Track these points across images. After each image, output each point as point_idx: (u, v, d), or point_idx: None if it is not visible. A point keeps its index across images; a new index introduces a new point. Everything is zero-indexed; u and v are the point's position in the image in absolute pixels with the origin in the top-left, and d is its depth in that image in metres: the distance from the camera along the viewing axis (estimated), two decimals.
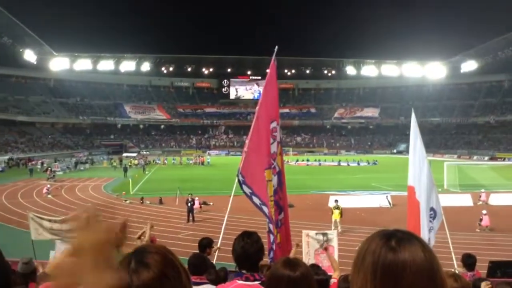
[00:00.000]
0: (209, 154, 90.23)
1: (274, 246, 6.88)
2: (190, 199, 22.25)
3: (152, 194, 31.54)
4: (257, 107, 7.47)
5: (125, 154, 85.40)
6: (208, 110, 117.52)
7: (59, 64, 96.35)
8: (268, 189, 7.11)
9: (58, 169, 53.57)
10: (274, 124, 7.47)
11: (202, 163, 66.70)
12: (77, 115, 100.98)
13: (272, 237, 6.89)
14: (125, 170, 48.55)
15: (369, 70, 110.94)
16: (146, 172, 51.88)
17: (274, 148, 7.41)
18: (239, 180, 6.95)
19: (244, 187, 6.91)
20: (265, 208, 6.90)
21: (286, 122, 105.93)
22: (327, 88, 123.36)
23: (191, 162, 69.60)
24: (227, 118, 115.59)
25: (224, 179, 39.74)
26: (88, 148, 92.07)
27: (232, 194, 7.51)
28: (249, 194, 6.89)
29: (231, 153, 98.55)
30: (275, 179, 7.32)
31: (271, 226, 6.97)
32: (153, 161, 71.38)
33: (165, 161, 70.16)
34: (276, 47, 8.38)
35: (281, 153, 7.66)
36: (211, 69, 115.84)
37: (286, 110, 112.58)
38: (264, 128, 7.33)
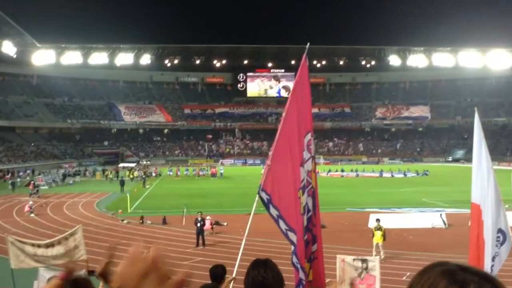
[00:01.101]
0: (222, 164, 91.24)
1: (303, 285, 6.83)
2: (199, 219, 22.37)
3: (154, 212, 31.81)
4: (285, 113, 7.39)
5: (122, 165, 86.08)
6: (220, 110, 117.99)
7: (43, 57, 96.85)
8: (302, 214, 7.18)
9: (42, 183, 53.77)
10: (309, 137, 7.51)
11: (214, 175, 67.25)
12: (64, 118, 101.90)
13: (301, 273, 6.82)
14: (122, 183, 49.35)
15: (417, 60, 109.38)
16: (147, 186, 52.45)
17: (309, 165, 7.47)
18: (262, 199, 6.94)
19: (272, 208, 6.90)
20: (292, 235, 6.88)
21: (315, 124, 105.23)
22: (365, 82, 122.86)
23: (194, 173, 69.58)
24: (243, 120, 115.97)
25: (241, 194, 40.07)
26: (78, 158, 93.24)
27: (253, 212, 7.33)
28: (275, 217, 6.88)
29: (249, 162, 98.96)
30: (310, 202, 7.37)
31: (297, 260, 6.95)
32: (155, 173, 70.64)
33: (178, 172, 69.62)
34: (308, 44, 8.36)
35: (314, 170, 7.69)
36: (224, 61, 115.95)
37: (315, 110, 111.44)
38: (296, 140, 7.34)
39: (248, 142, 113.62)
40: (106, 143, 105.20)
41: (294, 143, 7.40)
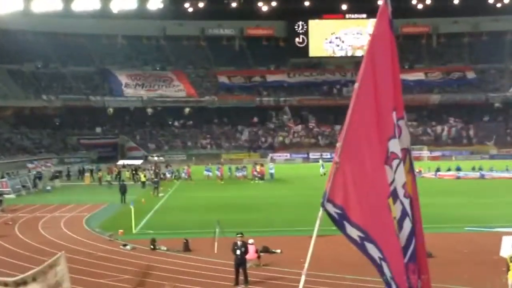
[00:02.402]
0: (272, 160, 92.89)
1: None
2: (239, 244, 22.54)
3: (171, 233, 32.88)
4: (358, 84, 7.41)
5: (121, 162, 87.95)
6: (269, 79, 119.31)
7: (4, 3, 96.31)
8: (396, 235, 7.27)
9: (7, 190, 54.53)
10: (394, 118, 7.45)
11: (261, 177, 68.78)
12: (37, 93, 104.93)
13: None
14: (123, 190, 49.70)
15: None
16: (160, 195, 53.64)
17: (399, 162, 7.52)
18: (330, 214, 7.11)
19: (349, 226, 7.06)
20: (386, 268, 7.01)
21: (415, 98, 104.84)
22: (493, 32, 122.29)
23: (240, 175, 71.88)
24: (304, 93, 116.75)
25: (301, 205, 40.58)
26: (58, 152, 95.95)
27: (315, 234, 7.51)
28: (357, 239, 7.06)
29: (313, 157, 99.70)
30: (407, 217, 7.36)
31: None
32: (188, 174, 71.90)
33: (220, 172, 69.97)
34: None
35: (411, 169, 7.71)
36: (273, 4, 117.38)
37: (415, 77, 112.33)
38: (374, 122, 7.34)
39: (312, 126, 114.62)
40: (98, 129, 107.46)
41: (371, 128, 7.35)
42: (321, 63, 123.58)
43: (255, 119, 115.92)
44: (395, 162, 7.38)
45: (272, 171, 70.45)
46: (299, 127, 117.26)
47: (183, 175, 72.58)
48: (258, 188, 61.22)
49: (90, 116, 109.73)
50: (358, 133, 7.30)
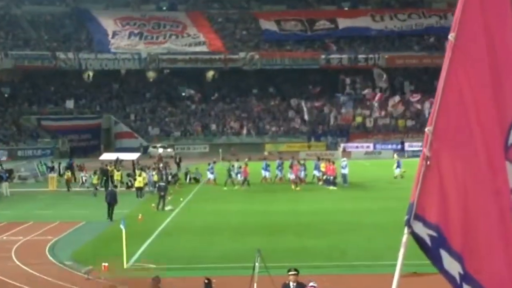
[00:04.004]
0: (345, 153, 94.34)
1: None
2: (292, 285, 22.79)
3: (184, 269, 34.74)
4: (453, 40, 7.22)
5: (104, 156, 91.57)
6: (344, 24, 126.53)
7: None
8: None
9: None
10: None
11: (332, 181, 71.55)
12: None
13: None
14: (112, 200, 52.45)
15: None
16: (168, 208, 56.58)
17: None
18: (418, 237, 7.17)
19: (446, 256, 7.21)
20: None
21: None
22: None
23: (292, 177, 74.17)
24: (398, 48, 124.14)
25: (392, 225, 41.01)
26: (6, 140, 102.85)
27: (398, 271, 7.67)
28: (457, 278, 7.19)
29: (411, 148, 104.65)
30: None
31: None
32: (245, 175, 76.07)
33: (266, 172, 76.20)
34: None
35: None
36: None
37: None
38: (487, 95, 7.34)
39: (410, 99, 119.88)
40: (70, 104, 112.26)
41: (485, 105, 7.30)
42: (423, 0, 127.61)
43: (319, 89, 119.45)
44: None
45: (345, 171, 72.04)
46: (388, 102, 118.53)
47: (238, 176, 75.77)
48: (323, 198, 62.41)
49: (57, 84, 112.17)
50: (460, 111, 7.29)
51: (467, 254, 6.68)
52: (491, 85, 7.00)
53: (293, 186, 69.78)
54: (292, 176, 74.26)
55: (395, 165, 69.95)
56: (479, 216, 6.82)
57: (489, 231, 6.78)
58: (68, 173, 67.84)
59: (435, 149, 6.89)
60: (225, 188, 69.22)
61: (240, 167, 75.14)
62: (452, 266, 6.69)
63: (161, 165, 72.64)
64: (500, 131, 7.04)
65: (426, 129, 7.02)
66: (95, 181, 64.96)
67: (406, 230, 6.97)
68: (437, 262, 6.70)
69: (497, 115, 7.04)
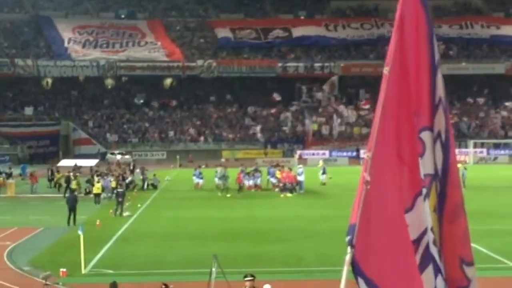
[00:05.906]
0: (301, 160, 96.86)
1: None
2: None
3: (141, 275, 35.42)
4: (390, 63, 7.70)
5: (63, 162, 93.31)
6: (299, 32, 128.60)
7: None
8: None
9: None
10: (427, 135, 7.84)
11: (290, 188, 72.51)
12: None
13: None
14: (72, 204, 53.53)
15: None
16: (125, 214, 57.87)
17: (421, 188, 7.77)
18: (355, 271, 7.61)
19: (362, 283, 7.71)
20: None
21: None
22: None
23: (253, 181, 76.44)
24: (352, 56, 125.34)
25: (345, 232, 41.41)
26: None
27: (344, 280, 8.13)
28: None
29: (364, 155, 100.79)
30: (439, 275, 7.84)
31: None
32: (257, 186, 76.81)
33: (241, 179, 75.66)
34: None
35: (437, 209, 8.05)
36: None
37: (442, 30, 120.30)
38: (409, 128, 7.79)
39: (364, 107, 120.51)
40: (29, 111, 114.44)
41: (405, 127, 7.81)
42: (378, 9, 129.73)
43: (276, 97, 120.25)
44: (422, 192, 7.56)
45: (302, 177, 72.96)
46: (344, 108, 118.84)
47: (249, 183, 76.02)
48: (279, 205, 63.47)
49: (16, 91, 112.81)
50: (390, 140, 7.70)
51: (378, 281, 7.39)
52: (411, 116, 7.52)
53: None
54: (249, 183, 78.21)
55: (321, 171, 70.18)
56: (389, 249, 7.55)
57: (397, 266, 7.50)
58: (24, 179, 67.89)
59: (373, 174, 7.25)
60: (228, 195, 71.59)
61: (224, 172, 76.91)
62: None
63: (118, 171, 71.65)
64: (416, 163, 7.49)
65: (365, 155, 7.43)
66: (63, 181, 64.86)
67: (349, 249, 7.35)
68: (357, 283, 7.08)
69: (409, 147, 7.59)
